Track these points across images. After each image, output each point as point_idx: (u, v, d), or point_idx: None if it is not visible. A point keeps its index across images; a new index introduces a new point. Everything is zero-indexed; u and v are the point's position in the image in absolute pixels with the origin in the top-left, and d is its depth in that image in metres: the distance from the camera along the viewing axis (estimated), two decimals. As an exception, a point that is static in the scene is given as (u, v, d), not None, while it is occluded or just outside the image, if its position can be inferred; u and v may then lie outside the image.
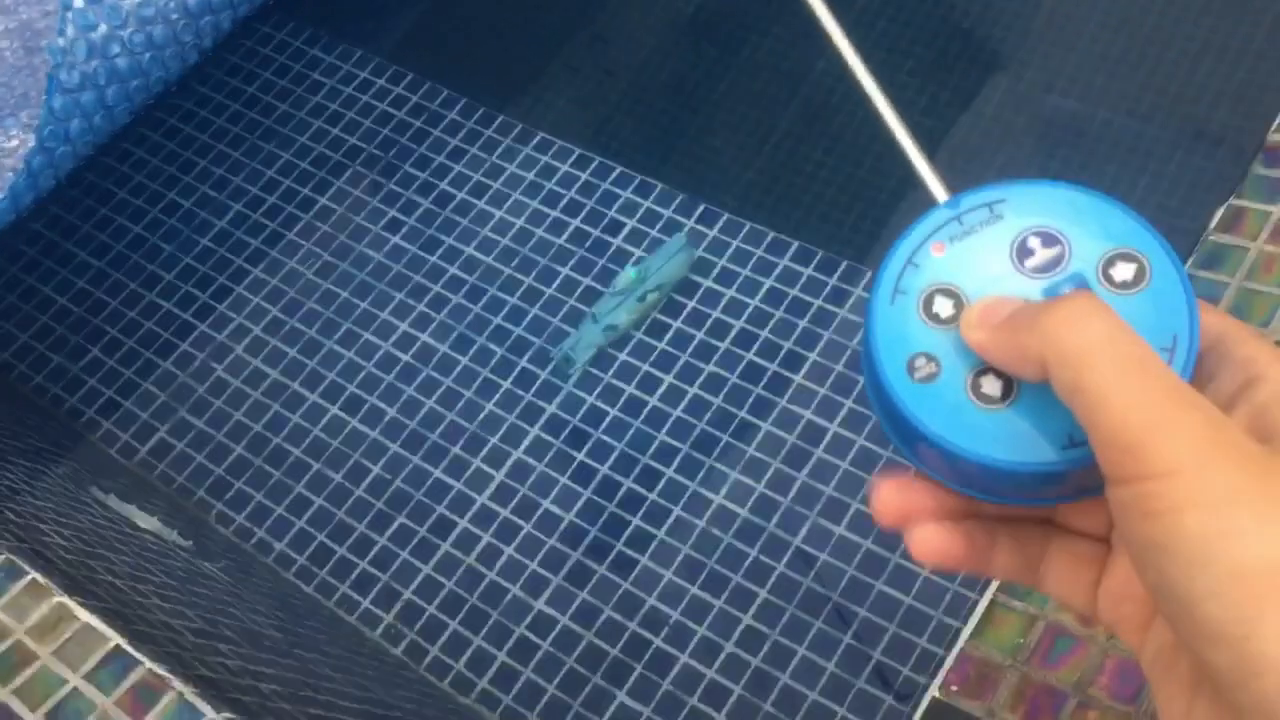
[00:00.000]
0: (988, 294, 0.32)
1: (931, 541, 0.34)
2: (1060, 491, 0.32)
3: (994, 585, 0.67)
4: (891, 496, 0.34)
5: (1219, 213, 0.80)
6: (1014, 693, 0.64)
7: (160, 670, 0.83)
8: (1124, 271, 0.32)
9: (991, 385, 0.31)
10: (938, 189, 0.35)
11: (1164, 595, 0.27)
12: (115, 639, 0.84)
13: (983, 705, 0.63)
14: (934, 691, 0.66)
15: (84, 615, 0.85)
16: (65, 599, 0.86)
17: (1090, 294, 0.30)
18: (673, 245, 1.30)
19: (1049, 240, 0.33)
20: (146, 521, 1.16)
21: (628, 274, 1.27)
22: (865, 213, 1.34)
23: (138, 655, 0.83)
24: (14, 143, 1.22)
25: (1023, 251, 0.33)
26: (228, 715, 0.80)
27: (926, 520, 0.34)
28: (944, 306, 0.33)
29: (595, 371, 1.28)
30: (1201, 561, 0.26)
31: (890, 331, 0.33)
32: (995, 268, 0.33)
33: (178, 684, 0.82)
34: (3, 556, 0.88)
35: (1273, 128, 1.19)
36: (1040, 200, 0.33)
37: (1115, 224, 0.32)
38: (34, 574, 0.88)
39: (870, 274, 1.29)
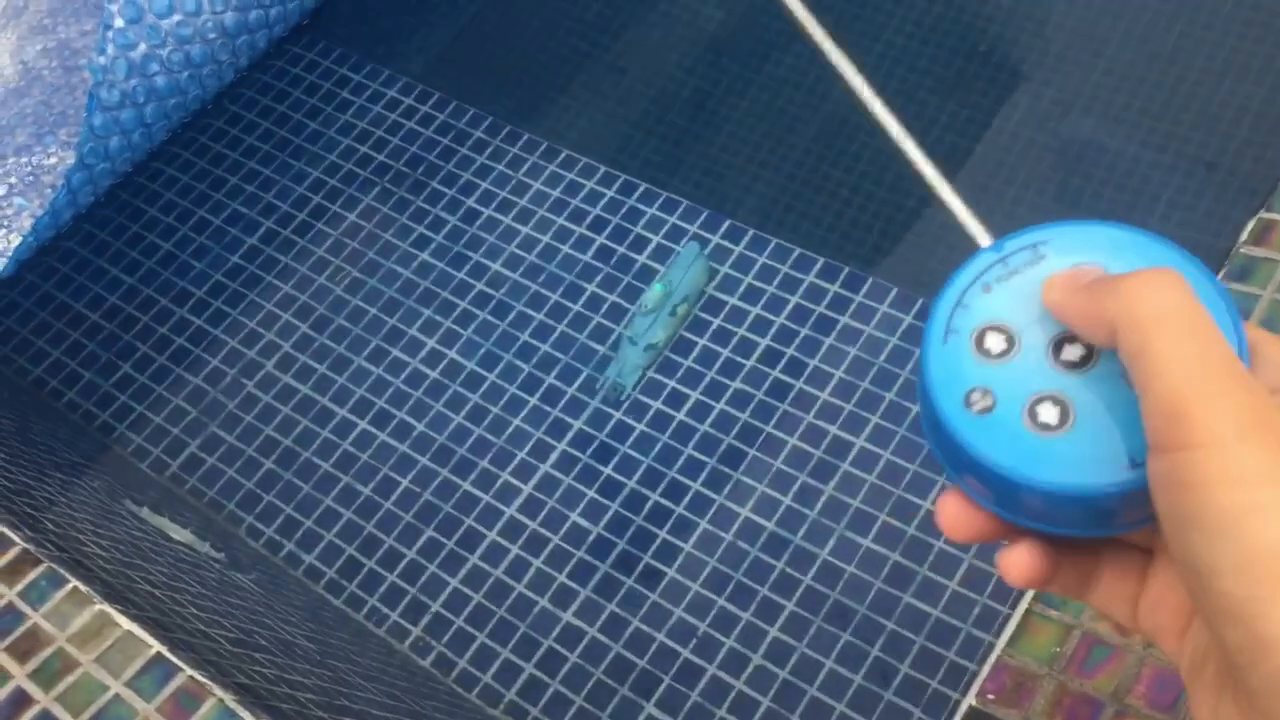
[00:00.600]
0: (1036, 328, 0.34)
1: (1025, 562, 0.34)
2: (1120, 520, 0.33)
3: (1029, 595, 0.68)
4: (959, 511, 0.35)
5: (1249, 225, 0.81)
6: (1050, 701, 0.64)
7: (200, 677, 0.84)
8: None
9: (1049, 413, 0.32)
10: (980, 234, 0.37)
11: (1188, 568, 0.28)
12: (156, 646, 0.85)
13: (1019, 714, 0.64)
14: (970, 701, 0.66)
15: (125, 623, 0.86)
16: (106, 607, 0.87)
17: (1170, 269, 0.31)
18: (687, 255, 1.32)
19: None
20: (180, 534, 1.18)
21: (655, 291, 1.28)
22: (887, 230, 1.35)
23: (178, 663, 0.84)
24: (53, 160, 1.24)
25: None
26: (267, 722, 0.81)
27: (1011, 539, 0.35)
28: (996, 342, 0.34)
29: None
30: (1227, 536, 0.26)
31: (945, 370, 0.34)
32: (1039, 304, 0.34)
33: (218, 691, 0.83)
34: (44, 565, 0.90)
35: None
36: (1081, 239, 0.34)
37: (1155, 254, 0.33)
38: (75, 582, 0.89)
39: (894, 290, 1.30)
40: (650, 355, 1.28)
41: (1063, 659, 0.67)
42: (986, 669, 0.69)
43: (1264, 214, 0.85)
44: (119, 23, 1.16)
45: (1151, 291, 0.30)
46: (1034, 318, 0.34)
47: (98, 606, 0.87)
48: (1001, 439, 0.32)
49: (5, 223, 1.23)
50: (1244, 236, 0.83)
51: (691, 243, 1.34)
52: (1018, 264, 0.35)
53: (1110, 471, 0.31)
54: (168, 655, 0.84)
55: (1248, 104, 1.33)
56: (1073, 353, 0.33)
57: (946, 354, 0.34)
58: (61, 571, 0.89)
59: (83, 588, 0.88)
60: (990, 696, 0.67)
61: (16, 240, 1.21)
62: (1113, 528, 0.33)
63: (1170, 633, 0.33)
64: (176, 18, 1.22)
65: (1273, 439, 0.27)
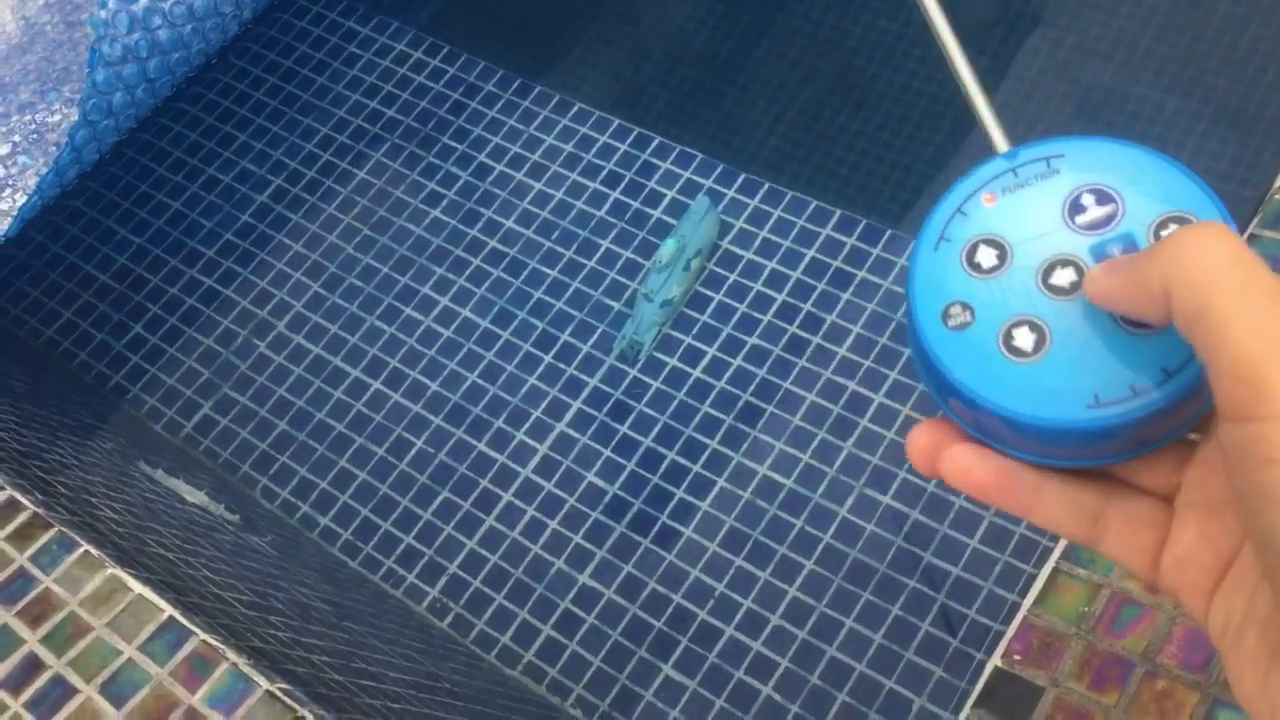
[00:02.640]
0: (1032, 246, 0.32)
1: (960, 459, 0.32)
2: (1084, 454, 0.31)
3: (1056, 553, 0.66)
4: (924, 432, 0.33)
5: (1277, 182, 0.79)
6: (1079, 662, 0.63)
7: (213, 641, 0.83)
8: None
9: (1024, 339, 0.31)
10: (998, 138, 0.34)
11: (1267, 548, 0.25)
12: (168, 610, 0.84)
13: (1046, 674, 0.63)
14: (996, 661, 0.65)
15: (137, 587, 0.85)
16: (118, 571, 0.86)
17: (1217, 221, 0.29)
18: (699, 208, 1.30)
19: (1103, 198, 0.32)
20: (194, 496, 1.17)
21: (668, 246, 1.26)
22: (905, 181, 1.33)
23: (191, 626, 0.83)
24: (57, 117, 1.23)
25: (1074, 208, 0.32)
26: (281, 685, 0.80)
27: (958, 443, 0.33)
28: (987, 257, 0.32)
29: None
30: None
31: (930, 278, 0.32)
32: (1044, 222, 0.32)
33: (231, 655, 0.82)
34: (55, 530, 0.89)
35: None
36: (1099, 157, 0.32)
37: (1174, 186, 0.31)
38: (86, 546, 0.88)
39: (912, 242, 1.27)
40: (666, 311, 1.26)
41: (1091, 618, 0.65)
42: (1012, 629, 0.67)
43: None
44: (120, -24, 1.14)
45: (1200, 246, 0.27)
46: (1032, 235, 0.32)
47: (110, 570, 0.86)
48: (971, 358, 0.31)
49: (10, 181, 1.21)
50: (1278, 182, 0.80)
51: (703, 196, 1.32)
52: (1028, 175, 0.33)
53: (1071, 408, 0.30)
54: (180, 619, 0.83)
55: (1274, 49, 1.29)
56: (1063, 277, 0.31)
57: (935, 262, 0.32)
58: (73, 535, 0.88)
59: (94, 551, 0.88)
60: (1016, 657, 0.65)
61: (22, 199, 1.19)
62: (1076, 460, 0.32)
63: (1199, 592, 0.31)
64: (179, -30, 1.19)
65: None
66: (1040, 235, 0.32)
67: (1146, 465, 0.33)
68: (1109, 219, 0.31)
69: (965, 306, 0.32)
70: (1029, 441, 0.31)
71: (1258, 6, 1.32)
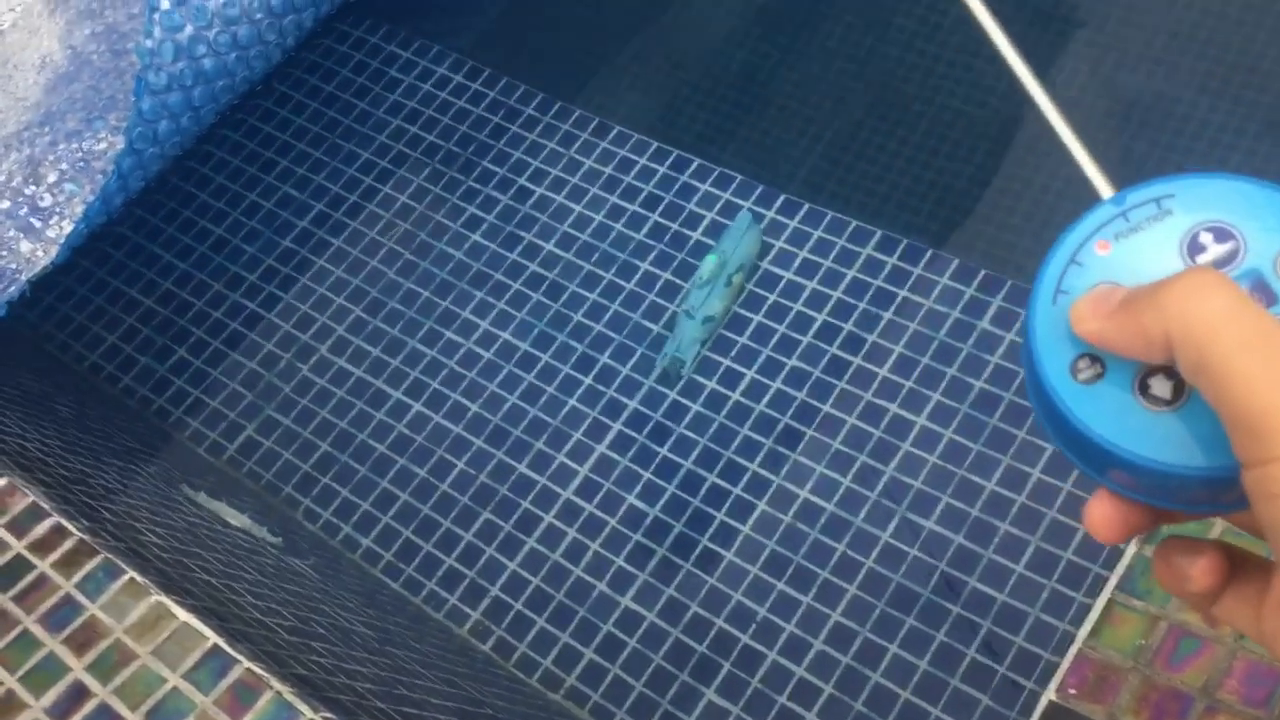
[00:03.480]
0: None
1: (1215, 568, 0.32)
2: (1234, 497, 0.30)
3: (1111, 584, 0.65)
4: (1108, 510, 0.32)
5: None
6: (1136, 696, 0.62)
7: (258, 669, 0.83)
8: None
9: (1161, 387, 0.30)
10: (1101, 183, 0.33)
11: None
12: (213, 638, 0.84)
13: (1104, 709, 0.61)
14: (1051, 695, 0.64)
15: (182, 614, 0.86)
16: (163, 598, 0.87)
17: (1209, 268, 0.29)
18: (740, 224, 1.30)
19: (1222, 235, 0.31)
20: (237, 519, 1.17)
21: (709, 262, 1.26)
22: (944, 199, 1.32)
23: (235, 654, 0.84)
24: (103, 145, 1.24)
25: (1194, 248, 0.31)
26: (326, 715, 0.80)
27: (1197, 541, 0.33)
28: None
29: (678, 366, 1.27)
30: None
31: (1052, 333, 0.31)
32: (1165, 265, 0.31)
33: (275, 683, 0.82)
34: (101, 556, 0.89)
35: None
36: (1210, 194, 0.31)
37: None
38: (131, 573, 0.89)
39: (955, 262, 1.26)
40: (709, 328, 1.26)
41: (1149, 651, 0.64)
42: (1066, 662, 0.66)
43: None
44: (165, 5, 1.15)
45: (1197, 298, 0.27)
46: (1154, 280, 0.31)
47: (154, 597, 0.87)
48: (1107, 410, 0.30)
49: (58, 209, 1.22)
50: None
51: (744, 212, 1.31)
52: (1140, 219, 0.32)
53: (1221, 453, 0.29)
54: (224, 647, 0.83)
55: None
56: None
57: (1055, 315, 0.31)
58: (118, 562, 0.89)
59: (139, 578, 0.88)
60: (1072, 691, 0.64)
61: (69, 227, 1.21)
62: (1226, 506, 0.31)
63: None
64: (223, -1, 1.21)
65: None
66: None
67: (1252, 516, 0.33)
68: (1232, 256, 0.31)
69: (1094, 360, 0.31)
70: (1177, 492, 0.31)
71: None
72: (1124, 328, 0.29)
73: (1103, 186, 0.33)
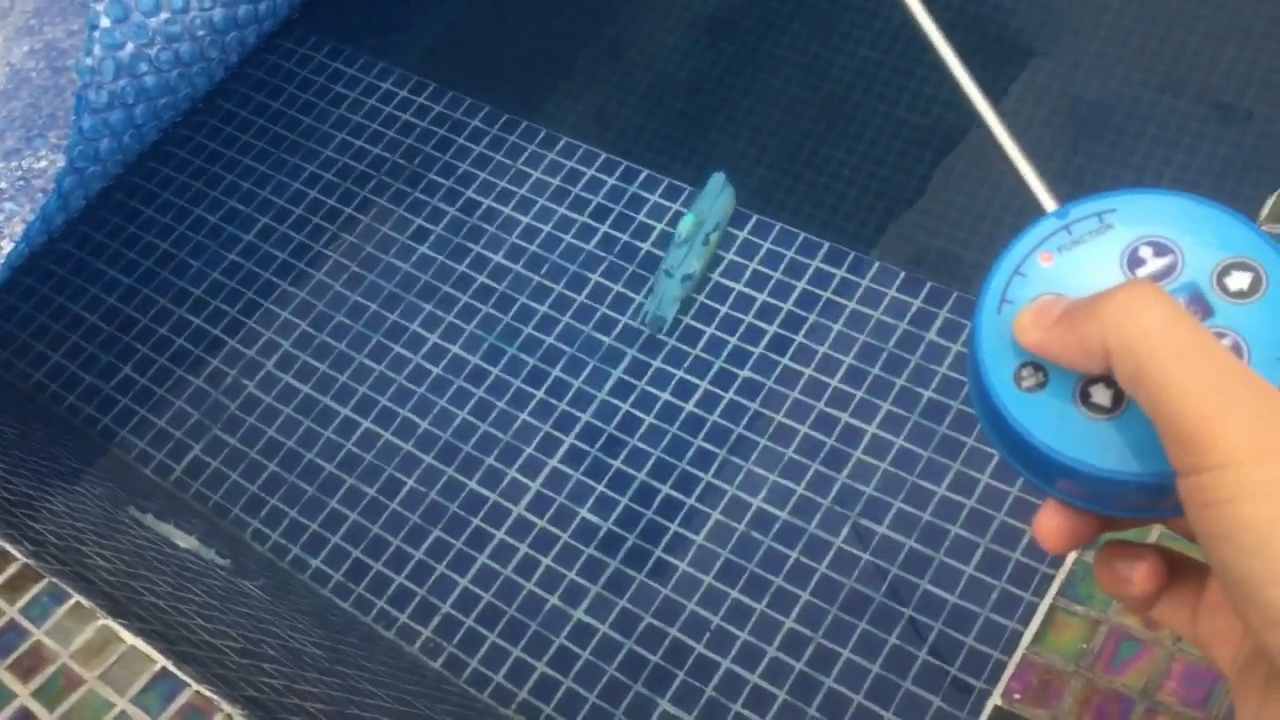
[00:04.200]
0: None
1: (1154, 572, 0.33)
2: (1172, 502, 0.31)
3: (1053, 589, 0.66)
4: (1055, 521, 0.33)
5: (1269, 201, 0.79)
6: (1079, 700, 0.63)
7: (207, 692, 0.82)
8: (1239, 280, 0.31)
9: (1102, 395, 0.31)
10: (1045, 197, 0.34)
11: (1228, 582, 0.27)
12: (161, 661, 0.84)
13: (1048, 713, 0.62)
14: (996, 700, 0.65)
15: (129, 638, 0.85)
16: (110, 621, 0.86)
17: (1146, 281, 0.30)
18: (714, 186, 1.32)
19: (1161, 250, 0.32)
20: (185, 540, 1.16)
21: (686, 222, 1.29)
22: (890, 210, 1.33)
23: (184, 677, 0.83)
24: (43, 164, 1.22)
25: (1134, 261, 0.32)
26: (277, 736, 0.80)
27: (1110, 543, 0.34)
28: None
29: (628, 379, 1.28)
30: (1258, 549, 0.26)
31: (997, 342, 0.32)
32: (1105, 277, 0.32)
33: (226, 706, 0.81)
34: (46, 580, 0.88)
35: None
36: (1151, 209, 0.32)
37: (1230, 232, 0.32)
38: (77, 597, 0.87)
39: (901, 274, 1.28)
40: (687, 286, 1.29)
41: (1090, 655, 0.65)
42: (1012, 667, 0.67)
43: (1283, 190, 0.83)
44: (105, 22, 1.14)
45: (1135, 310, 0.28)
46: (1095, 291, 0.32)
47: (101, 621, 0.86)
48: (1049, 418, 0.31)
49: (-3, 229, 1.21)
50: (1264, 212, 0.81)
51: (717, 174, 1.33)
52: (1082, 232, 0.33)
53: (1160, 459, 0.30)
54: (173, 670, 0.83)
55: (1252, 70, 1.30)
56: None
57: (1000, 324, 0.32)
58: (64, 586, 0.88)
59: (85, 602, 0.87)
60: (1017, 696, 0.65)
61: (8, 246, 1.19)
62: (1166, 510, 0.32)
63: (1224, 639, 0.32)
64: (164, 15, 1.19)
65: None
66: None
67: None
68: (1170, 269, 0.32)
69: (1036, 368, 0.32)
70: (1116, 498, 0.31)
71: (1234, 26, 1.33)
72: (1064, 338, 0.30)
73: (1045, 199, 0.34)
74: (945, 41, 0.38)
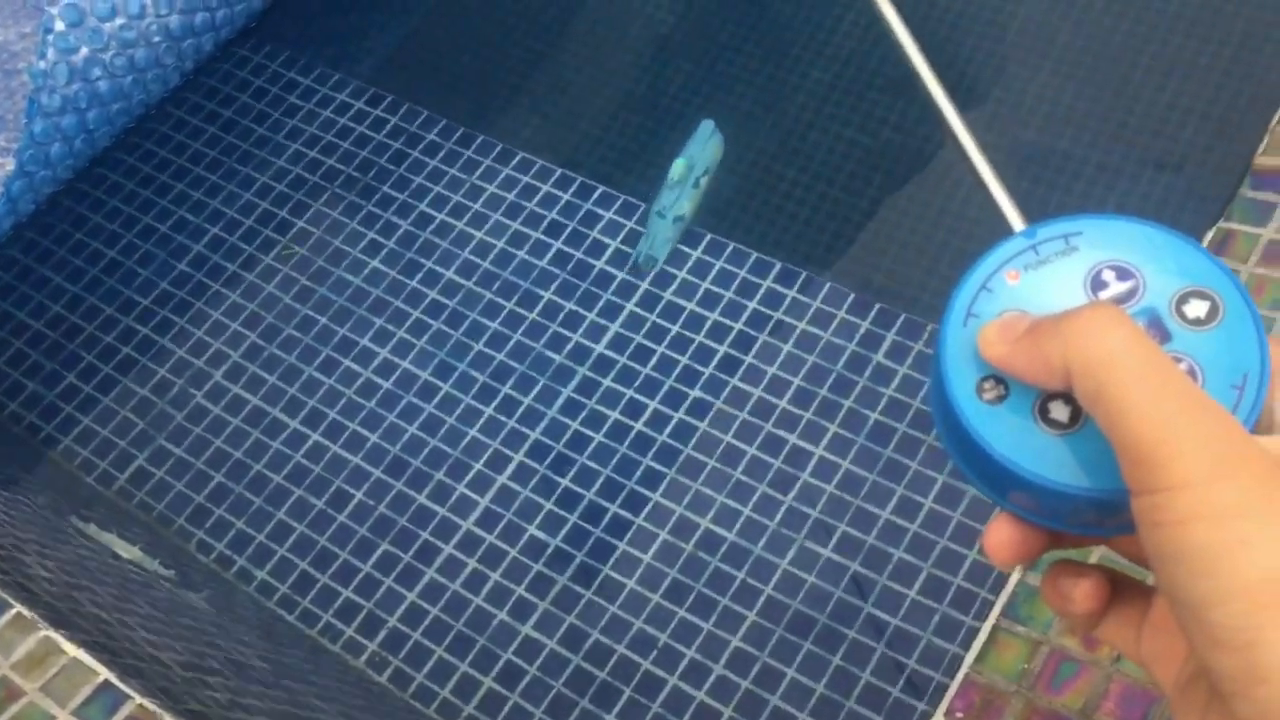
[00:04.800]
0: None
1: (1097, 590, 0.34)
2: (1126, 520, 0.32)
3: (996, 610, 0.68)
4: (1005, 533, 0.34)
5: (1209, 235, 0.82)
6: (1020, 719, 0.64)
7: (151, 705, 0.81)
8: (1197, 308, 0.32)
9: (1060, 411, 0.32)
10: (1014, 217, 0.36)
11: (1176, 602, 0.28)
12: (104, 673, 0.83)
13: (989, 732, 0.64)
14: (939, 719, 0.66)
15: (71, 649, 0.84)
16: (52, 632, 0.85)
17: (1110, 304, 0.31)
18: (704, 130, 1.38)
19: (1123, 274, 0.33)
20: (128, 551, 1.15)
21: (678, 166, 1.34)
22: (841, 231, 1.35)
23: (127, 690, 0.82)
24: (-8, 168, 1.21)
25: (1096, 284, 0.33)
26: (221, 750, 0.79)
27: (1057, 561, 0.35)
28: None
29: (579, 397, 1.28)
30: (1208, 571, 0.27)
31: (960, 354, 0.33)
32: (1068, 297, 0.33)
33: (169, 719, 0.80)
34: (-14, 590, 0.87)
35: (1259, 151, 1.21)
36: (1116, 235, 0.34)
37: (1190, 262, 0.33)
38: (19, 608, 0.86)
39: (851, 296, 1.29)
40: (679, 227, 1.34)
41: (1031, 675, 0.67)
42: (954, 686, 0.68)
43: (1223, 224, 0.86)
44: (60, 26, 1.13)
45: (1098, 332, 0.29)
46: (1057, 310, 0.33)
47: (43, 632, 0.85)
48: (1007, 430, 0.32)
49: (-58, 232, 1.19)
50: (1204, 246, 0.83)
51: (706, 120, 1.39)
52: (1048, 253, 0.34)
53: (1112, 476, 0.31)
54: (116, 683, 0.82)
55: (1193, 105, 1.34)
56: None
57: (964, 337, 0.33)
58: (5, 596, 0.86)
59: (27, 613, 0.86)
60: (959, 715, 0.66)
61: (-46, 250, 1.17)
62: (1115, 529, 0.33)
63: (1167, 659, 0.33)
64: (119, 21, 1.18)
65: (1245, 471, 0.27)
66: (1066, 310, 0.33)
67: (1134, 542, 0.35)
68: (1131, 294, 0.33)
69: (998, 381, 0.33)
70: (1070, 513, 0.32)
71: (1177, 63, 1.36)
72: (1028, 354, 0.31)
73: (1014, 218, 0.36)
74: (926, 65, 0.40)
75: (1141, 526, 0.28)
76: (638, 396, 1.27)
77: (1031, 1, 1.44)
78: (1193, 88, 1.35)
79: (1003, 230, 0.35)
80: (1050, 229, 0.34)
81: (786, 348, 1.28)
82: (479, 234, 1.40)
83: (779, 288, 1.31)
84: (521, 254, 1.38)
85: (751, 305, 1.31)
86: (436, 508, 1.25)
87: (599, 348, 1.30)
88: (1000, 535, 0.34)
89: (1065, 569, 0.35)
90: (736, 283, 1.32)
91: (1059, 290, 0.33)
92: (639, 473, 1.23)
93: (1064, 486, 0.31)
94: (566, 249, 1.37)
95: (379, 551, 1.23)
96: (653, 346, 1.30)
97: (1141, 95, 1.36)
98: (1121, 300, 0.33)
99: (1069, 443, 0.32)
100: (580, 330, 1.32)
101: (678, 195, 1.33)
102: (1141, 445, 0.28)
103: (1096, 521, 0.33)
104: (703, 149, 1.37)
